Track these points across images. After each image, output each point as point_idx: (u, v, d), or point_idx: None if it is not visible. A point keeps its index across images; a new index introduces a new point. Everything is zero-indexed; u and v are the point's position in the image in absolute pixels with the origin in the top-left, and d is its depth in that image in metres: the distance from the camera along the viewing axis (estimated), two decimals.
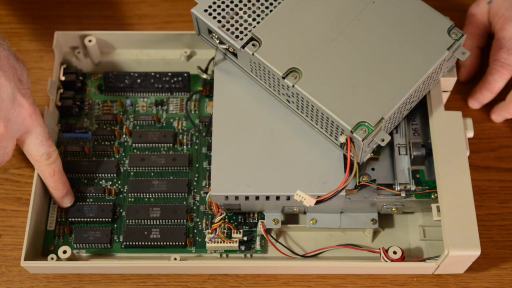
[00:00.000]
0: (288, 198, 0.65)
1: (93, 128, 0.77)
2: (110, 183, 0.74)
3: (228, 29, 0.66)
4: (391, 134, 0.69)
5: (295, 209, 0.69)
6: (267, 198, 0.65)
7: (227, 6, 0.67)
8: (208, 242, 0.70)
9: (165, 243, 0.70)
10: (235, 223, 0.71)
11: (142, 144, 0.76)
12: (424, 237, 0.71)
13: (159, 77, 0.79)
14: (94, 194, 0.73)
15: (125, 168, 0.75)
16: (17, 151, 0.78)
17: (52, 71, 0.77)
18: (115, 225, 0.72)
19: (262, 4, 0.67)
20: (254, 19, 0.66)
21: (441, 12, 0.66)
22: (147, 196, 0.73)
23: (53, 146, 0.68)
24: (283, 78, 0.63)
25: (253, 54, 0.64)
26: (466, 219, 0.64)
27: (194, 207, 0.73)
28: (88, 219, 0.72)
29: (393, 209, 0.69)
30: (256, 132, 0.67)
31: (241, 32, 0.66)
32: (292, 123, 0.67)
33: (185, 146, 0.76)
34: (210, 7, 0.67)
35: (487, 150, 0.78)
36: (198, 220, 0.72)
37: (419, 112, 0.71)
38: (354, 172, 0.62)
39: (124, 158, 0.75)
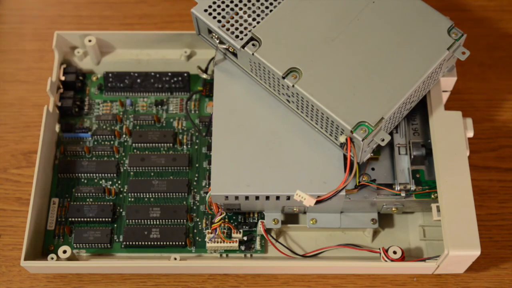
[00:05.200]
0: (288, 198, 0.65)
1: (93, 128, 0.77)
2: (110, 183, 0.74)
3: (228, 29, 0.66)
4: (391, 134, 0.69)
5: (295, 209, 0.69)
6: (267, 198, 0.65)
7: (227, 6, 0.67)
8: (208, 242, 0.70)
9: (165, 243, 0.70)
10: (235, 223, 0.71)
11: (142, 144, 0.76)
12: (424, 237, 0.71)
13: (159, 77, 0.79)
14: (94, 194, 0.73)
15: (125, 168, 0.75)
16: (17, 151, 0.78)
17: (52, 71, 0.77)
18: (115, 225, 0.72)
19: (262, 4, 0.67)
20: (254, 19, 0.66)
21: (441, 12, 0.66)
22: (147, 196, 0.73)
23: None
24: (283, 78, 0.63)
25: (253, 54, 0.64)
26: (466, 219, 0.64)
27: (194, 207, 0.73)
28: (88, 219, 0.72)
29: (393, 209, 0.69)
30: (256, 132, 0.67)
31: (241, 32, 0.66)
32: (292, 123, 0.67)
33: (185, 146, 0.76)
34: (210, 7, 0.67)
35: (487, 150, 0.78)
36: (198, 220, 0.72)
37: (419, 112, 0.71)
38: (354, 172, 0.62)
39: (124, 158, 0.75)
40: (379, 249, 0.68)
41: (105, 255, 0.71)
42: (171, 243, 0.70)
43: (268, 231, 0.70)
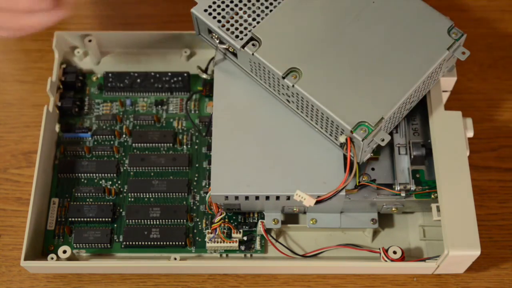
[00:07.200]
0: (288, 198, 0.65)
1: (93, 128, 0.77)
2: (110, 183, 0.74)
3: (228, 29, 0.66)
4: (391, 134, 0.69)
5: (295, 209, 0.69)
6: (267, 198, 0.65)
7: (227, 6, 0.67)
8: (208, 242, 0.70)
9: (165, 243, 0.70)
10: (235, 223, 0.71)
11: (142, 144, 0.76)
12: (424, 237, 0.71)
13: (159, 77, 0.79)
14: (94, 194, 0.73)
15: (125, 168, 0.75)
16: (17, 151, 0.78)
17: (52, 71, 0.77)
18: (115, 225, 0.72)
19: (262, 4, 0.67)
20: (254, 19, 0.66)
21: (441, 12, 0.66)
22: (147, 196, 0.73)
23: None
24: (283, 78, 0.63)
25: (253, 54, 0.64)
26: (466, 219, 0.64)
27: (194, 207, 0.73)
28: (88, 219, 0.72)
29: (393, 209, 0.69)
30: (256, 132, 0.67)
31: (241, 32, 0.66)
32: (292, 123, 0.67)
33: (185, 146, 0.76)
34: (210, 7, 0.67)
35: (487, 150, 0.78)
36: (198, 220, 0.72)
37: (419, 112, 0.71)
38: (354, 172, 0.62)
39: (124, 158, 0.75)
40: (379, 249, 0.68)
41: (105, 255, 0.71)
42: (171, 243, 0.70)
43: (268, 231, 0.70)
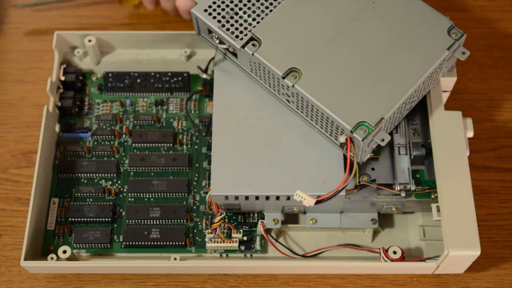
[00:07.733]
0: (288, 198, 0.65)
1: (93, 128, 0.77)
2: (110, 183, 0.74)
3: (228, 29, 0.66)
4: (391, 134, 0.69)
5: (295, 209, 0.69)
6: (267, 198, 0.65)
7: (227, 6, 0.67)
8: (208, 242, 0.70)
9: (165, 243, 0.70)
10: (235, 223, 0.71)
11: (142, 144, 0.76)
12: (424, 237, 0.71)
13: (159, 77, 0.79)
14: (94, 194, 0.73)
15: (125, 168, 0.75)
16: (17, 151, 0.78)
17: (52, 71, 0.77)
18: (115, 225, 0.72)
19: (262, 4, 0.67)
20: (254, 19, 0.66)
21: (441, 12, 0.66)
22: (147, 196, 0.73)
23: None
24: (283, 78, 0.63)
25: (253, 54, 0.64)
26: (466, 219, 0.64)
27: (194, 207, 0.73)
28: (88, 219, 0.72)
29: (393, 209, 0.69)
30: (256, 132, 0.67)
31: (241, 32, 0.66)
32: (292, 123, 0.67)
33: (185, 146, 0.76)
34: (210, 7, 0.67)
35: (487, 150, 0.78)
36: (198, 220, 0.72)
37: (419, 112, 0.71)
38: (354, 172, 0.62)
39: (124, 158, 0.75)
40: (379, 249, 0.68)
41: (105, 255, 0.71)
42: (171, 243, 0.70)
43: (268, 231, 0.70)
